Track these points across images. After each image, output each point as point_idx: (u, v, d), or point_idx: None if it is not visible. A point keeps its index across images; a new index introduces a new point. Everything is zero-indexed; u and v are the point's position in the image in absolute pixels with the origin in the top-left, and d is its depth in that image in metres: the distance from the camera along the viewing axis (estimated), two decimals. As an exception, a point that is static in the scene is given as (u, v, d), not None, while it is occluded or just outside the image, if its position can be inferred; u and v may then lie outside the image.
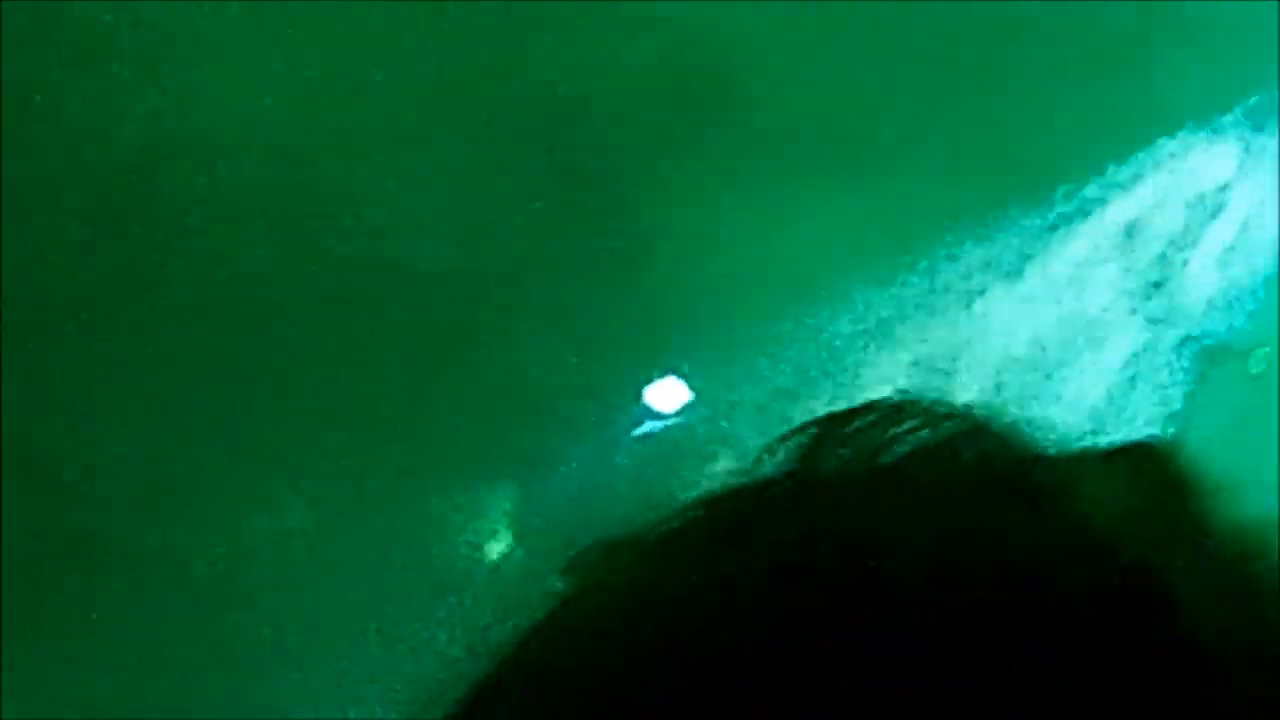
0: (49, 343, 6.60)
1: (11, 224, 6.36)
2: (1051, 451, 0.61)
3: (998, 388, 7.00)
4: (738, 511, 0.61)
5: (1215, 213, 7.31)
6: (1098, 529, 0.58)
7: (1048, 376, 7.17)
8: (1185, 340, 6.89)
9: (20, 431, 6.58)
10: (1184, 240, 7.28)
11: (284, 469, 6.97)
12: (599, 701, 0.57)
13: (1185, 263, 7.25)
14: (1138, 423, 6.76)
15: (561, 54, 6.61)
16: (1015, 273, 7.21)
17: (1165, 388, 6.82)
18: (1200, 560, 0.59)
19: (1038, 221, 7.18)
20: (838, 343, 7.13)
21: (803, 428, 0.62)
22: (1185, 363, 6.89)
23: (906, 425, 0.61)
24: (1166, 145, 7.20)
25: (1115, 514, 0.59)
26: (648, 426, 7.25)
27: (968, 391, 6.98)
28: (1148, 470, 0.62)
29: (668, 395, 7.30)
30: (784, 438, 0.62)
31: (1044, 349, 7.18)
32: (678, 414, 7.25)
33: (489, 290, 6.92)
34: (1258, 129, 7.21)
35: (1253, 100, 7.10)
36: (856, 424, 0.61)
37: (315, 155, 6.61)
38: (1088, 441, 0.63)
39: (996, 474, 0.60)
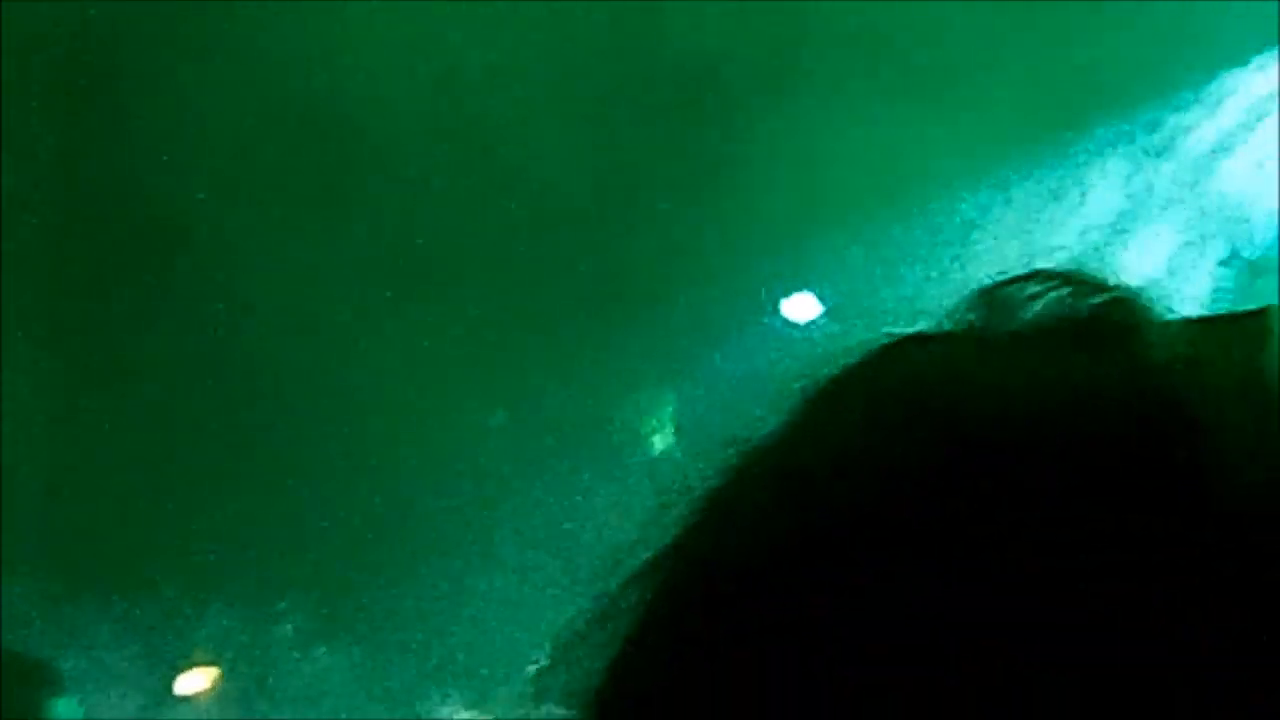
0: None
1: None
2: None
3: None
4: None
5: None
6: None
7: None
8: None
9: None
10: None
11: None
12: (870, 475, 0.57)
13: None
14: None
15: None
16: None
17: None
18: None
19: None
20: (954, 248, 7.82)
21: (979, 292, 0.63)
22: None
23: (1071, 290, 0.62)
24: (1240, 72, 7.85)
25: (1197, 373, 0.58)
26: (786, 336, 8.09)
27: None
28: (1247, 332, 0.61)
29: (803, 307, 8.25)
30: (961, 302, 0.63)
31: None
32: (812, 323, 8.16)
33: (637, 222, 7.94)
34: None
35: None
36: (1030, 289, 0.62)
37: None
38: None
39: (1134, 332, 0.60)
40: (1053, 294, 0.62)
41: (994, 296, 0.63)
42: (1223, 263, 6.40)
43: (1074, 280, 0.63)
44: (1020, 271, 0.63)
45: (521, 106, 7.39)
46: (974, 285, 0.64)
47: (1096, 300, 0.62)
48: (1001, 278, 0.63)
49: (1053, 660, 0.54)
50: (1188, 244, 7.68)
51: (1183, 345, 0.60)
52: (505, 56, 7.32)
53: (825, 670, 0.55)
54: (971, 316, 0.62)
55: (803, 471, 0.59)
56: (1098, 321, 0.61)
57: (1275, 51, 7.61)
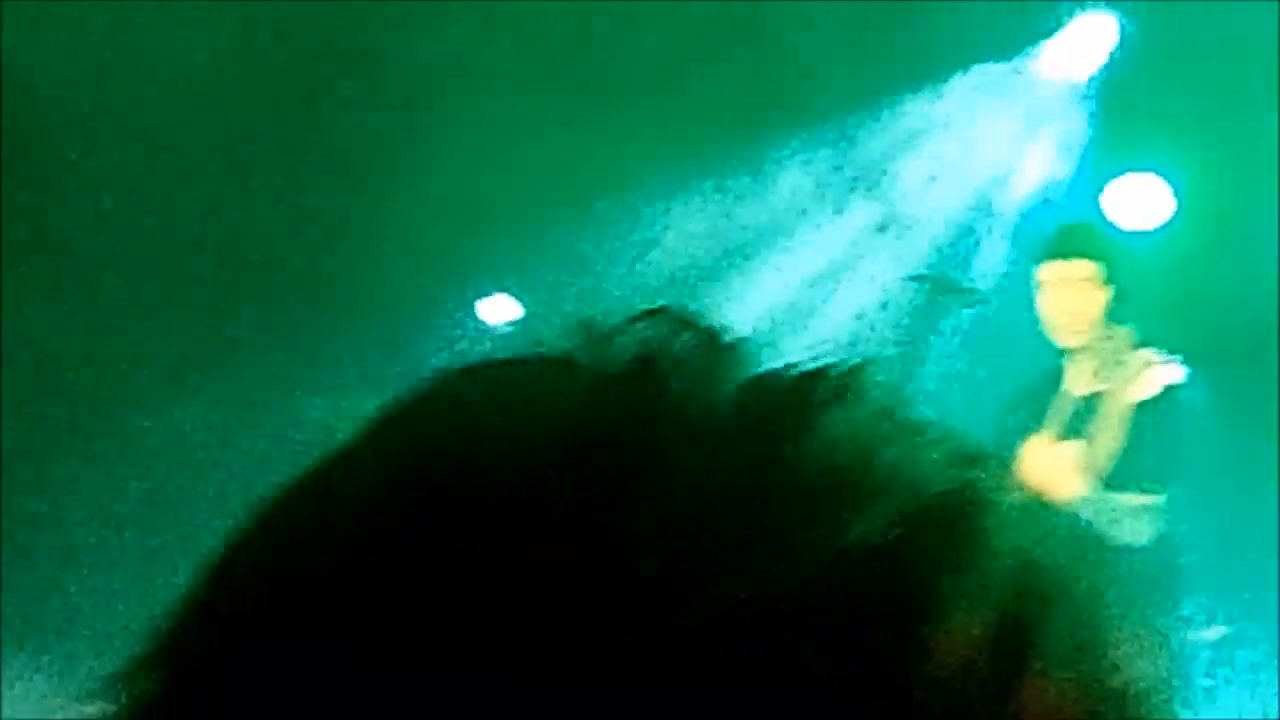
0: None
1: None
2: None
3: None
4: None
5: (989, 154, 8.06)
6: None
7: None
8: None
9: None
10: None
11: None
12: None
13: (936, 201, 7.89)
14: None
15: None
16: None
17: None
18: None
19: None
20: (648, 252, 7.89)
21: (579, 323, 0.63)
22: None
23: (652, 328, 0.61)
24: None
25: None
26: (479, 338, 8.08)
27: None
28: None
29: (500, 309, 8.26)
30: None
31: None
32: (508, 326, 8.16)
33: (332, 224, 7.83)
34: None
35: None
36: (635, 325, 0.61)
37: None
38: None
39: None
40: (646, 333, 0.61)
41: (591, 329, 0.62)
42: (910, 278, 6.63)
43: (674, 321, 0.61)
44: (646, 307, 0.63)
45: (198, 102, 7.22)
46: (664, 291, 0.61)
47: (674, 343, 0.60)
48: (618, 314, 0.63)
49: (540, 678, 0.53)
50: (870, 255, 7.82)
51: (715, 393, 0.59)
52: (174, 53, 7.15)
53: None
54: (567, 345, 0.62)
55: (324, 490, 0.59)
56: (648, 364, 0.59)
57: (965, 70, 7.83)
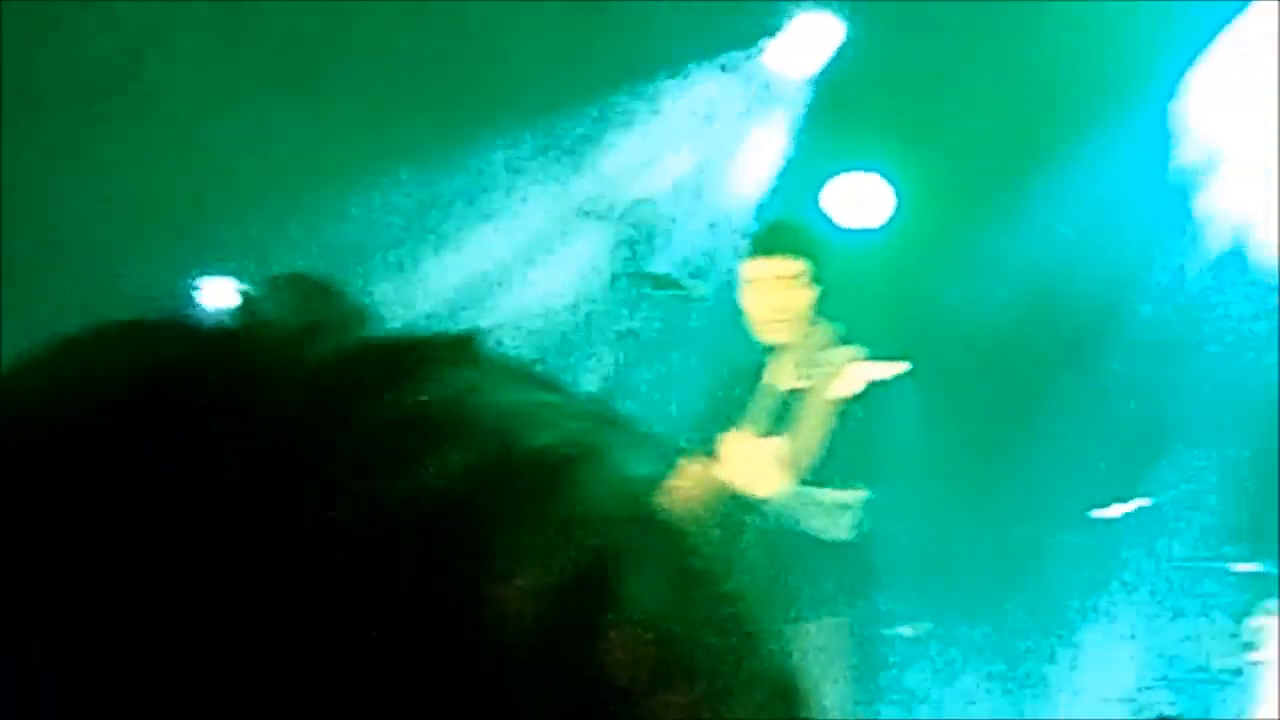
0: None
1: None
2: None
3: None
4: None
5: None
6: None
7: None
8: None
9: None
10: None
11: None
12: None
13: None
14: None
15: None
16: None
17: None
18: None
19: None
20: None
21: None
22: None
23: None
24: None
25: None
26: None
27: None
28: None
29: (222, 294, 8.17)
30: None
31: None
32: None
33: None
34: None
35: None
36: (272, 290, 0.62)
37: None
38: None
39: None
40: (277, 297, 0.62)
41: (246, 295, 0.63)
42: (619, 272, 6.85)
43: (304, 285, 0.63)
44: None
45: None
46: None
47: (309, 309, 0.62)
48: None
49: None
50: (580, 245, 7.97)
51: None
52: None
53: None
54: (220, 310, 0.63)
55: None
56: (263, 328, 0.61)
57: (687, 64, 7.95)
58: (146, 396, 0.58)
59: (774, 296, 5.81)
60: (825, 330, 5.84)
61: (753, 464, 5.61)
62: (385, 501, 0.56)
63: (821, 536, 5.68)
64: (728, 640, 0.62)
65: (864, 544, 5.80)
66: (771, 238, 6.02)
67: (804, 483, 5.66)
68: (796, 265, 5.81)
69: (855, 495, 5.71)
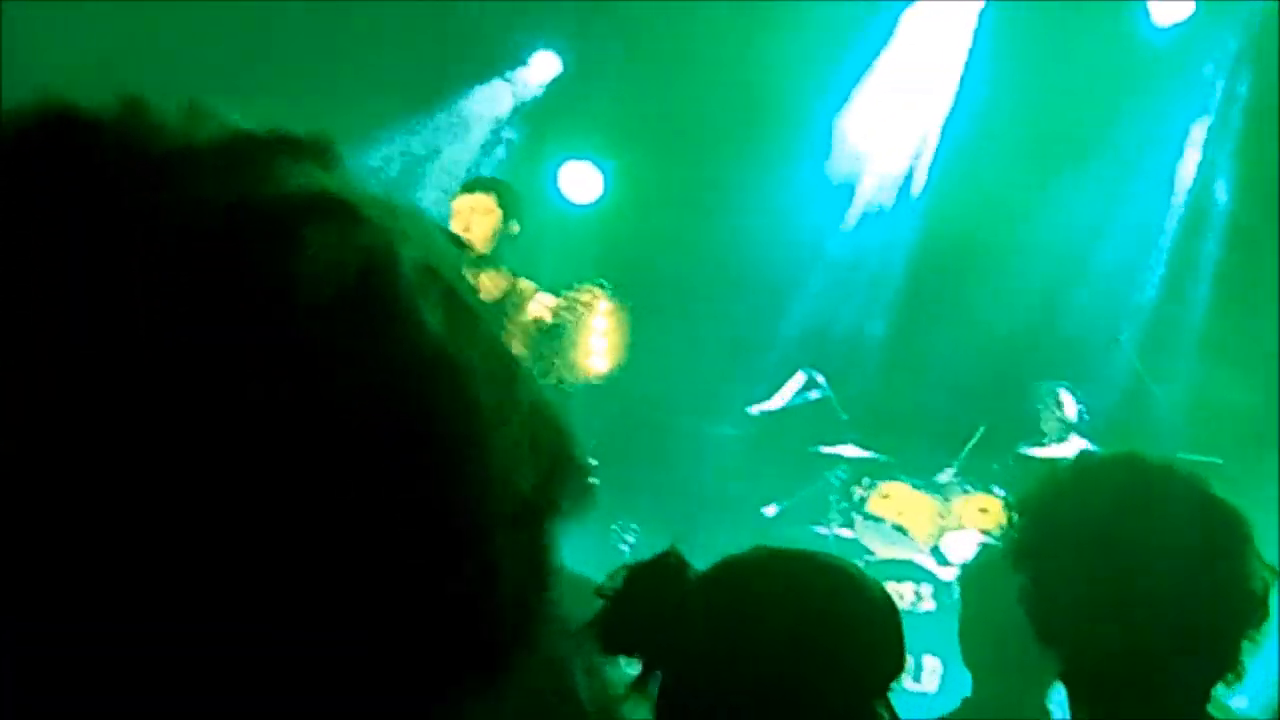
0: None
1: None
2: None
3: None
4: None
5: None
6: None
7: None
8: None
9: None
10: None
11: None
12: None
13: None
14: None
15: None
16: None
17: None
18: None
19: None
20: None
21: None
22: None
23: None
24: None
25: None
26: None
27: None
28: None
29: None
30: None
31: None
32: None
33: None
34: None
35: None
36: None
37: None
38: None
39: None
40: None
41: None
42: None
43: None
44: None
45: None
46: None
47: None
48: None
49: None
50: None
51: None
52: None
53: None
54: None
55: None
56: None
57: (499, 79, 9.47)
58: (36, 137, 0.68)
59: (467, 220, 6.78)
60: (515, 279, 6.82)
61: None
62: (218, 205, 0.67)
63: None
64: (498, 352, 0.73)
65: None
66: (473, 183, 7.12)
67: None
68: (488, 200, 6.86)
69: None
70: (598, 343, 7.26)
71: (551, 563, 0.76)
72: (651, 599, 1.85)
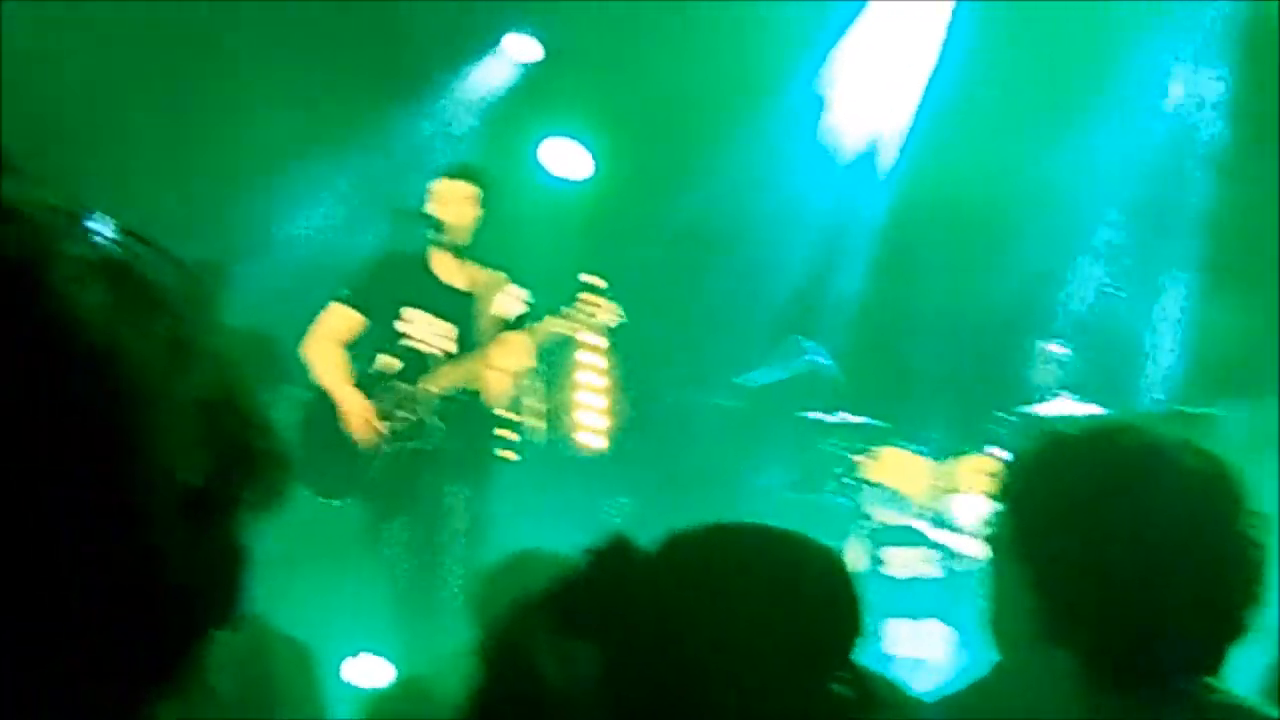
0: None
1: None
2: None
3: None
4: None
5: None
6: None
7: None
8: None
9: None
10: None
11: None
12: None
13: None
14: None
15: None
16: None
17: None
18: None
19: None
20: None
21: None
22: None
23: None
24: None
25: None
26: None
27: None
28: None
29: None
30: None
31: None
32: None
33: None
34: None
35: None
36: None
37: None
38: None
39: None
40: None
41: None
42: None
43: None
44: None
45: None
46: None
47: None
48: None
49: None
50: None
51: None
52: None
53: None
54: None
55: None
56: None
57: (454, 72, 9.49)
58: None
59: (449, 209, 6.91)
60: (497, 275, 6.98)
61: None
62: None
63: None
64: (173, 344, 0.77)
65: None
66: (456, 169, 7.14)
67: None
68: (469, 189, 6.97)
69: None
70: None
71: (235, 553, 0.77)
72: (601, 580, 1.83)
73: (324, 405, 6.99)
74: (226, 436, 0.77)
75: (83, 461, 0.72)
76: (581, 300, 6.76)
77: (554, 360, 7.18)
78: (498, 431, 7.01)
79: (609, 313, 6.80)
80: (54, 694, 0.71)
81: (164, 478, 0.74)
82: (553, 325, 6.83)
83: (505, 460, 7.06)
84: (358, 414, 6.90)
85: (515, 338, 6.86)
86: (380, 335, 7.03)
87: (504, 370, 6.84)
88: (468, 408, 6.94)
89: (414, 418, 6.94)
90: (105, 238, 0.79)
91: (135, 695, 0.74)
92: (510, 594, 1.79)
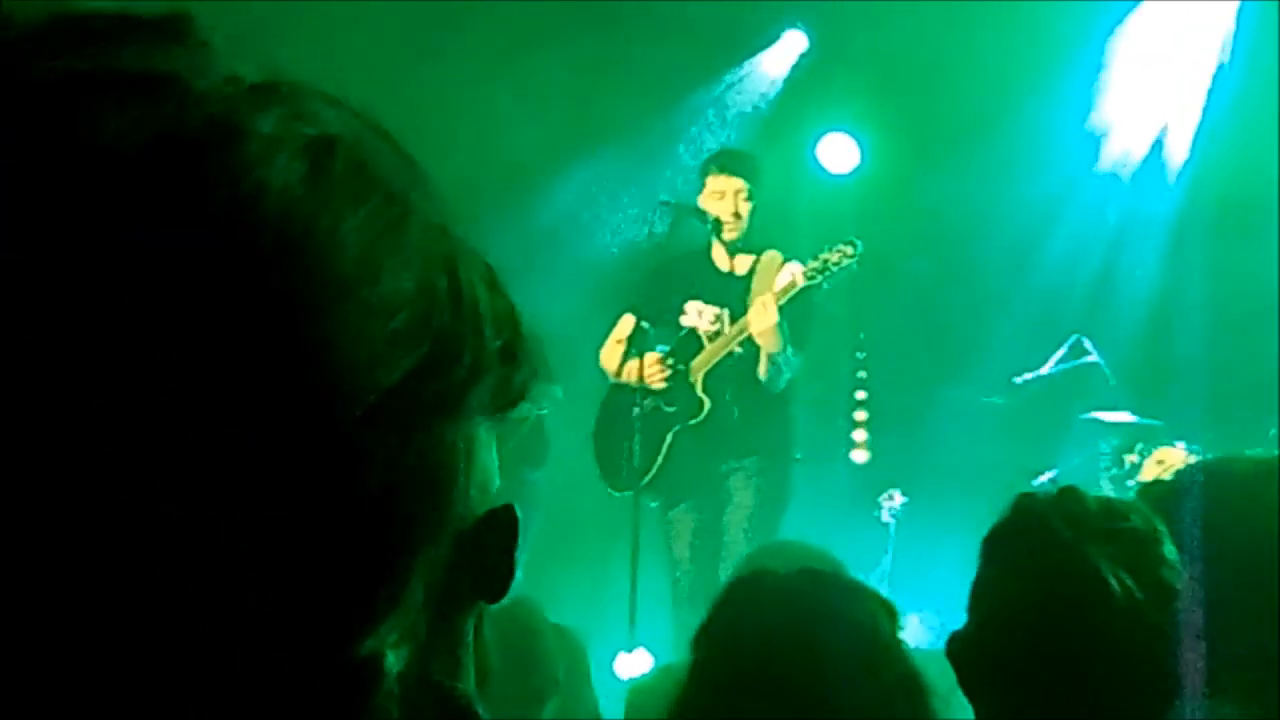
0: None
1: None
2: None
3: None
4: None
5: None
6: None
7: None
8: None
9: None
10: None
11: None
12: None
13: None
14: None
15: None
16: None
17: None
18: None
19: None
20: None
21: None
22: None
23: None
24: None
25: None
26: None
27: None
28: None
29: None
30: None
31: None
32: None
33: None
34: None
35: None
36: None
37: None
38: None
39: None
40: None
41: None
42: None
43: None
44: None
45: None
46: None
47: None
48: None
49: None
50: None
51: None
52: None
53: None
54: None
55: None
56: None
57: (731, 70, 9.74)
58: None
59: (725, 204, 7.07)
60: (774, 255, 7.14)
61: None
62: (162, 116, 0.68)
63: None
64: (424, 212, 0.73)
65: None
66: (724, 159, 7.30)
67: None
68: (739, 183, 7.12)
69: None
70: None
71: (444, 466, 0.71)
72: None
73: (616, 402, 7.26)
74: (438, 329, 0.71)
75: (259, 363, 0.66)
76: (830, 251, 6.87)
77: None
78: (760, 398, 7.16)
79: (851, 259, 6.86)
80: (251, 629, 0.66)
81: (354, 377, 0.68)
82: (797, 275, 6.89)
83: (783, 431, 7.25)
84: (648, 395, 7.11)
85: (766, 297, 6.96)
86: (666, 336, 7.29)
87: (763, 330, 6.94)
88: (734, 372, 7.14)
89: (691, 399, 7.17)
90: (311, 114, 0.72)
91: (341, 624, 0.68)
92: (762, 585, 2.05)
